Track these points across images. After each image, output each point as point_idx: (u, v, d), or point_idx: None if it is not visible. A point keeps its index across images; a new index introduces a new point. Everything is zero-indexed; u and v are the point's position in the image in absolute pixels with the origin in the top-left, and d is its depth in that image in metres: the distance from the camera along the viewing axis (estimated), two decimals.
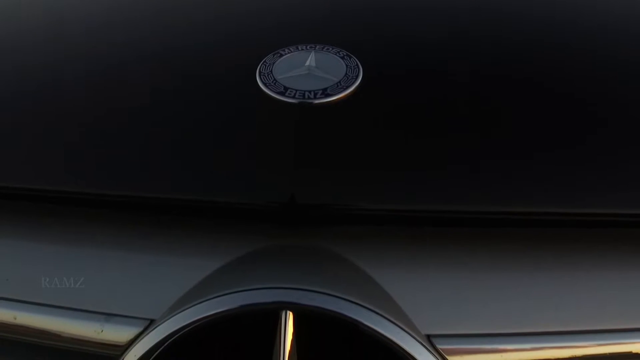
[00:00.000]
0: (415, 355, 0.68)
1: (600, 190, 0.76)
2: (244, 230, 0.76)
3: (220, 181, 0.76)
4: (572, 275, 0.75)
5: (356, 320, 0.69)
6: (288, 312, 0.68)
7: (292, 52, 0.88)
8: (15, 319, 0.75)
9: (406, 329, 0.69)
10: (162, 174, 0.78)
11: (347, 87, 0.82)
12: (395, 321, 0.69)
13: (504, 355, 0.72)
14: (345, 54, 0.87)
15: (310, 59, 0.87)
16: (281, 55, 0.87)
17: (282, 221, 0.75)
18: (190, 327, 0.69)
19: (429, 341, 0.70)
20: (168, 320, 0.70)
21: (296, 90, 0.82)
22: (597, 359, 0.73)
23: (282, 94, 0.81)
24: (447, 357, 0.71)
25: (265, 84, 0.83)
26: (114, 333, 0.72)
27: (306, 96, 0.81)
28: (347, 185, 0.75)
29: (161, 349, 0.70)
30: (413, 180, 0.75)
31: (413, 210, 0.75)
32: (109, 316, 0.73)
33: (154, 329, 0.70)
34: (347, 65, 0.85)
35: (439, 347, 0.70)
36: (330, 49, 0.88)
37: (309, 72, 0.85)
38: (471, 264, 0.75)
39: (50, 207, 0.81)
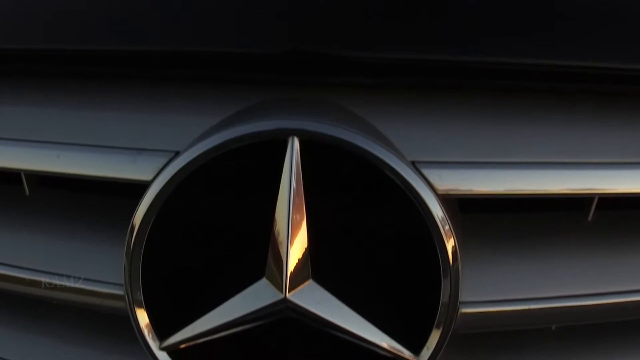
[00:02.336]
0: (411, 181, 0.79)
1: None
2: (255, 81, 0.87)
3: (229, 33, 0.85)
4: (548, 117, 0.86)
5: (363, 150, 0.79)
6: (294, 137, 0.79)
7: None
8: (58, 157, 0.87)
9: (406, 162, 0.80)
10: (180, 27, 0.87)
11: None
12: (397, 155, 0.80)
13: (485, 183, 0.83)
14: None
15: None
16: None
17: (288, 72, 0.86)
18: (207, 157, 0.80)
19: (414, 166, 0.82)
20: (188, 150, 0.81)
21: None
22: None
23: None
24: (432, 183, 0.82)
25: None
26: (145, 164, 0.84)
27: None
28: (346, 37, 0.84)
29: (185, 176, 0.81)
30: (409, 32, 0.84)
31: (408, 59, 0.85)
32: (140, 150, 0.85)
33: (177, 158, 0.82)
34: None
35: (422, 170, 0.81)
36: None
37: None
38: (458, 108, 0.86)
39: (73, 67, 0.92)
